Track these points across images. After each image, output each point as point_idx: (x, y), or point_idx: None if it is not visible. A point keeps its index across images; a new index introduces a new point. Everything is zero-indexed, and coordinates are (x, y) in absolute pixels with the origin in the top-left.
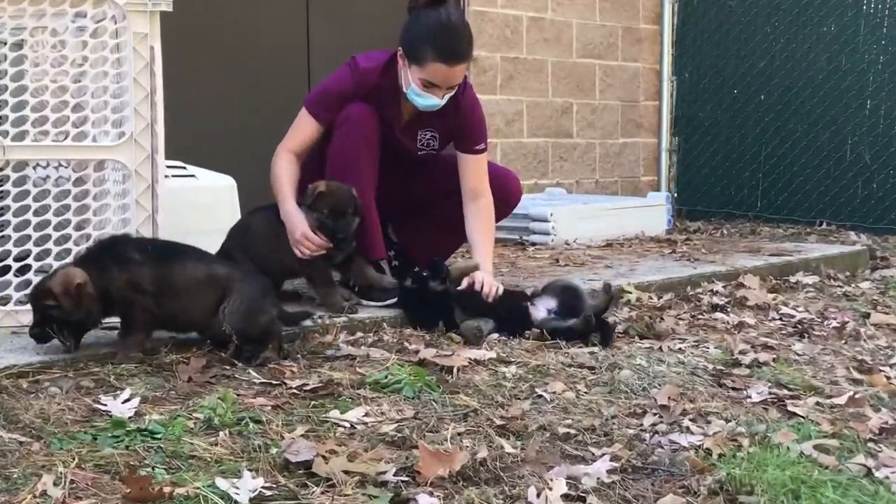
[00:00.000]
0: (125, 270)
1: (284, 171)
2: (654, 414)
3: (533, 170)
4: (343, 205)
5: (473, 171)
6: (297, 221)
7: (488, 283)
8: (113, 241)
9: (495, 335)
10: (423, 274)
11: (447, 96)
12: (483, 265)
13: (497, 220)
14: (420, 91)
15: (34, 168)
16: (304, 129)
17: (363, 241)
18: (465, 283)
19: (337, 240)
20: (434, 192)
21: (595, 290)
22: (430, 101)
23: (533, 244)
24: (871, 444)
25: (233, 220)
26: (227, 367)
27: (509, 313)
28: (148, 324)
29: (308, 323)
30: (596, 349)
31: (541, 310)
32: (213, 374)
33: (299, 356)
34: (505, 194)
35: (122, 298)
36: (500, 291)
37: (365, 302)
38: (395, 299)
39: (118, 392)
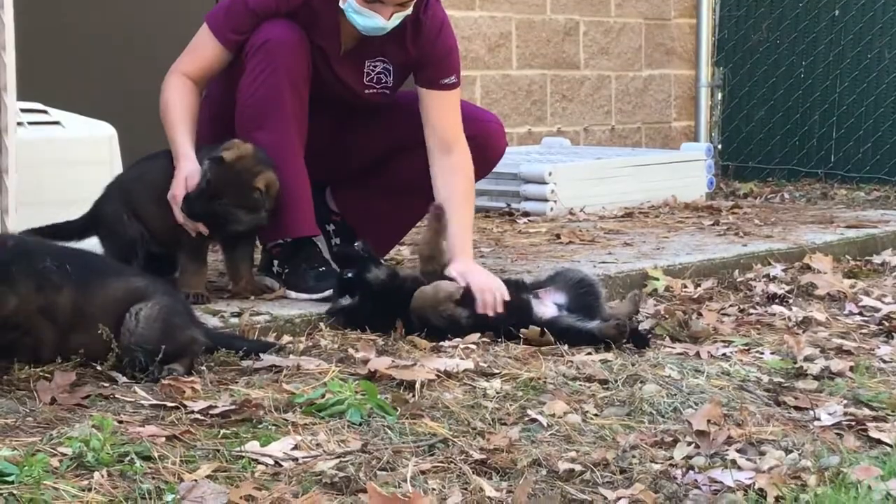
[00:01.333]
0: (41, 294)
1: (177, 100)
2: (689, 443)
3: (525, 113)
4: (245, 191)
5: (442, 114)
6: (182, 171)
7: (479, 285)
8: (22, 248)
9: (475, 337)
10: (364, 254)
11: (398, 16)
12: (459, 247)
13: (475, 178)
14: (359, 6)
15: None
16: (203, 51)
17: (284, 218)
18: (455, 277)
19: (223, 237)
20: (388, 147)
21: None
22: (373, 21)
23: (525, 214)
24: None
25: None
26: (106, 384)
27: (505, 309)
28: (27, 357)
29: (216, 323)
30: (609, 356)
31: (548, 304)
32: (86, 395)
33: (203, 368)
34: (482, 146)
35: (16, 327)
36: (505, 297)
37: (293, 294)
38: (331, 291)
39: None
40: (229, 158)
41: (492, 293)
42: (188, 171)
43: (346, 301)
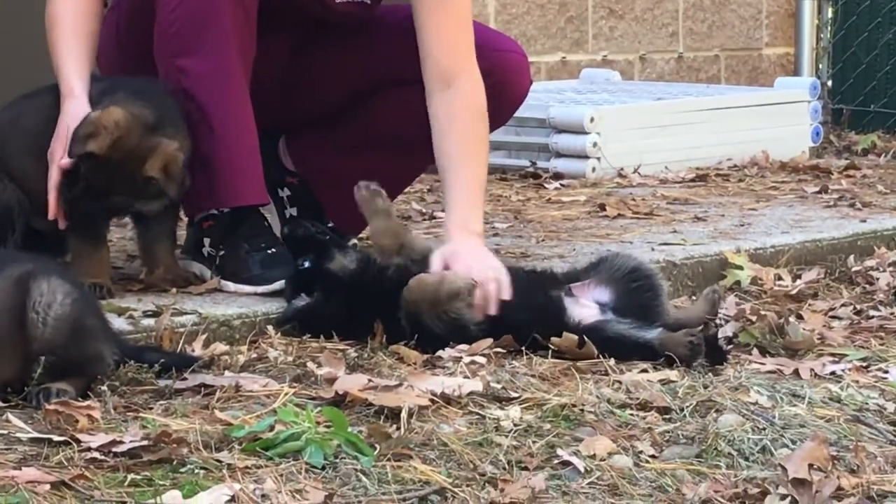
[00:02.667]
0: None
1: (67, 10)
2: (783, 497)
3: (558, 35)
4: (136, 184)
5: (440, 32)
6: (67, 116)
7: (481, 273)
8: None
9: (482, 344)
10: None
11: None
12: (455, 221)
13: (487, 125)
14: None
15: None
16: None
17: (218, 180)
18: (434, 265)
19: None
20: (367, 81)
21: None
22: None
23: (557, 176)
24: None
25: None
26: None
27: (528, 311)
28: None
29: (124, 326)
30: (672, 375)
31: (587, 304)
32: None
33: (105, 388)
34: (498, 85)
35: None
36: (506, 293)
37: (231, 286)
38: (283, 283)
39: None
40: (100, 150)
41: (486, 285)
42: (74, 114)
43: (302, 302)
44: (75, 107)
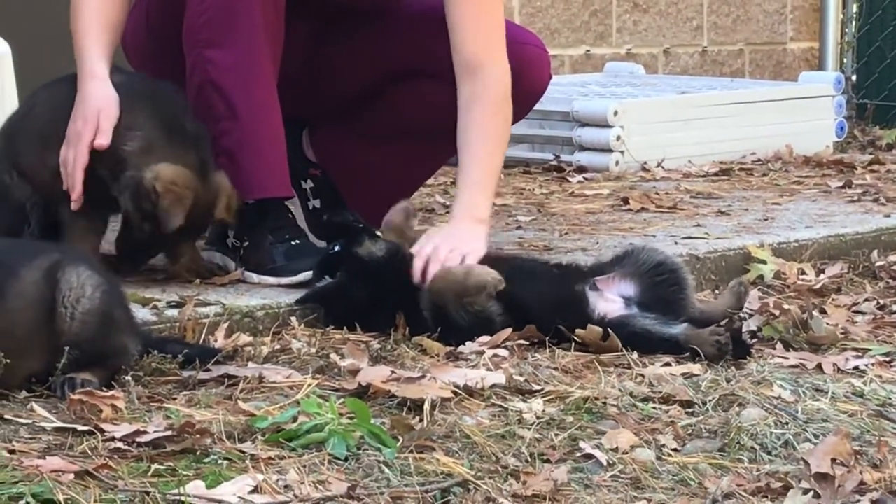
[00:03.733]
0: None
1: (93, 2)
2: (805, 491)
3: (582, 28)
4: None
5: (470, 21)
6: (89, 100)
7: (430, 246)
8: None
9: (503, 335)
10: (357, 225)
11: None
12: (460, 205)
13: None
14: None
15: None
16: None
17: (243, 172)
18: (420, 243)
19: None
20: (393, 71)
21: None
22: None
23: (580, 170)
24: None
25: (7, 111)
26: None
27: (552, 304)
28: None
29: (148, 317)
30: (696, 368)
31: (612, 299)
32: None
33: (129, 378)
34: (518, 75)
35: None
36: (461, 256)
37: (255, 277)
38: (310, 274)
39: None
40: (185, 219)
41: (433, 253)
42: (97, 98)
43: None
44: (100, 89)
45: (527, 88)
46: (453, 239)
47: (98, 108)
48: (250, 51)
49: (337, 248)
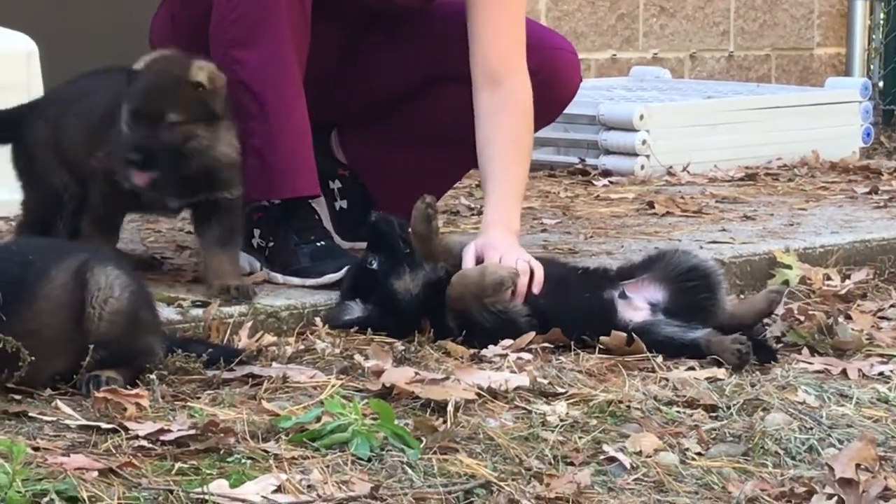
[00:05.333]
0: None
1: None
2: (829, 496)
3: (608, 32)
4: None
5: (490, 31)
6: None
7: (515, 263)
8: None
9: (527, 338)
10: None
11: None
12: (492, 215)
13: (536, 126)
14: None
15: None
16: None
17: (270, 171)
18: (466, 261)
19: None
20: (422, 75)
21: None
22: None
23: (606, 174)
24: None
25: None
26: (17, 397)
27: (579, 311)
28: None
29: (173, 316)
30: (720, 373)
31: (639, 305)
32: None
33: (153, 377)
34: (547, 83)
35: None
36: (540, 279)
37: (280, 278)
38: (340, 273)
39: None
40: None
41: (521, 276)
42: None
43: (356, 311)
44: None
45: (558, 93)
46: (500, 249)
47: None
48: (279, 51)
49: (374, 265)
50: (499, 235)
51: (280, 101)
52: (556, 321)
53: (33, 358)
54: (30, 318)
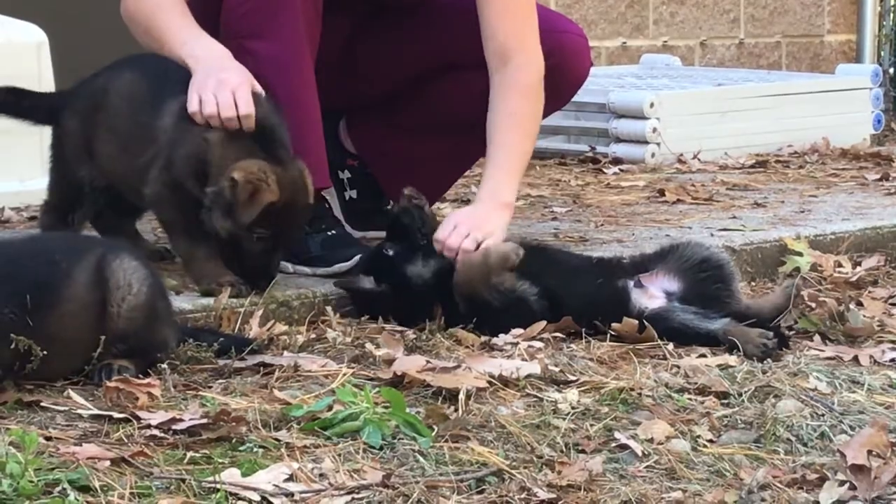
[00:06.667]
0: None
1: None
2: (841, 483)
3: (618, 20)
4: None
5: (502, 11)
6: (215, 58)
7: (450, 228)
8: None
9: (538, 327)
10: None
11: None
12: (491, 186)
13: (548, 109)
14: None
15: None
16: None
17: None
18: (443, 228)
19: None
20: (431, 63)
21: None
22: None
23: (616, 161)
24: None
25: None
26: (29, 387)
27: (593, 300)
28: None
29: (183, 305)
30: (731, 360)
31: (655, 294)
32: (2, 401)
33: (165, 366)
34: (557, 68)
35: None
36: (476, 242)
37: (290, 267)
38: (351, 262)
39: None
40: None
41: (461, 235)
42: (218, 54)
43: (367, 283)
44: (209, 48)
45: (568, 77)
46: (473, 219)
47: (232, 87)
48: (291, 42)
49: (390, 253)
50: (484, 207)
51: (292, 93)
52: (569, 306)
53: (45, 352)
54: (53, 321)
